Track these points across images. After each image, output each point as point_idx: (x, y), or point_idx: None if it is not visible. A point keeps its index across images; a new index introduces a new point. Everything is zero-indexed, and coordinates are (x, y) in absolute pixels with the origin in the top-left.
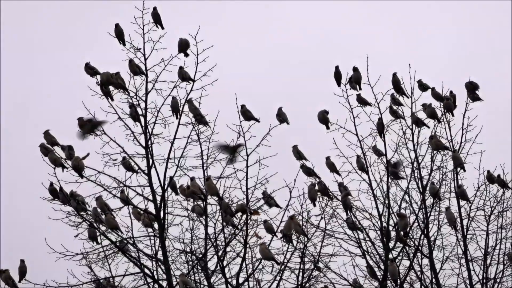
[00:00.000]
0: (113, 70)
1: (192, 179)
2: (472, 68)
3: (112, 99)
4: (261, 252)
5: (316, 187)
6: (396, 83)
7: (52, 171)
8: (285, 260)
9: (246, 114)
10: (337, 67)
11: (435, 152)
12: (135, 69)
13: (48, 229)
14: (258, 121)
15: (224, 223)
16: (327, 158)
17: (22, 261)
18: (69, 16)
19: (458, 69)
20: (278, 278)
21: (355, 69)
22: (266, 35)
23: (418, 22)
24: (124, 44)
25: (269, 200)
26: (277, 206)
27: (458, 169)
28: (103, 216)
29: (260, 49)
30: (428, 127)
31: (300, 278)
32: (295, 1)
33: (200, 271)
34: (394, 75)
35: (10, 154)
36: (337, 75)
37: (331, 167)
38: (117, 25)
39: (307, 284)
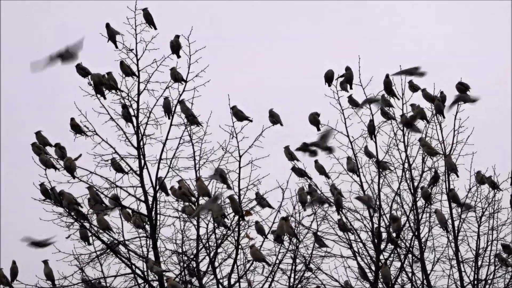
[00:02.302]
0: (105, 71)
1: (180, 181)
2: (464, 69)
3: (105, 98)
4: (252, 254)
5: (306, 190)
6: (387, 84)
7: (43, 172)
8: (277, 261)
9: (238, 115)
10: (330, 70)
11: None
12: (126, 70)
13: (40, 230)
14: (251, 121)
15: (216, 224)
16: (316, 162)
17: (14, 262)
18: (61, 15)
19: (449, 70)
20: (270, 279)
21: (347, 69)
22: (261, 35)
23: (411, 21)
24: (116, 46)
25: (261, 201)
26: (270, 207)
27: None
28: (94, 216)
29: (255, 49)
30: (419, 130)
31: (291, 279)
32: (288, 1)
33: (191, 272)
34: (387, 76)
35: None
36: (328, 75)
37: (320, 169)
38: (108, 26)
39: (299, 285)
